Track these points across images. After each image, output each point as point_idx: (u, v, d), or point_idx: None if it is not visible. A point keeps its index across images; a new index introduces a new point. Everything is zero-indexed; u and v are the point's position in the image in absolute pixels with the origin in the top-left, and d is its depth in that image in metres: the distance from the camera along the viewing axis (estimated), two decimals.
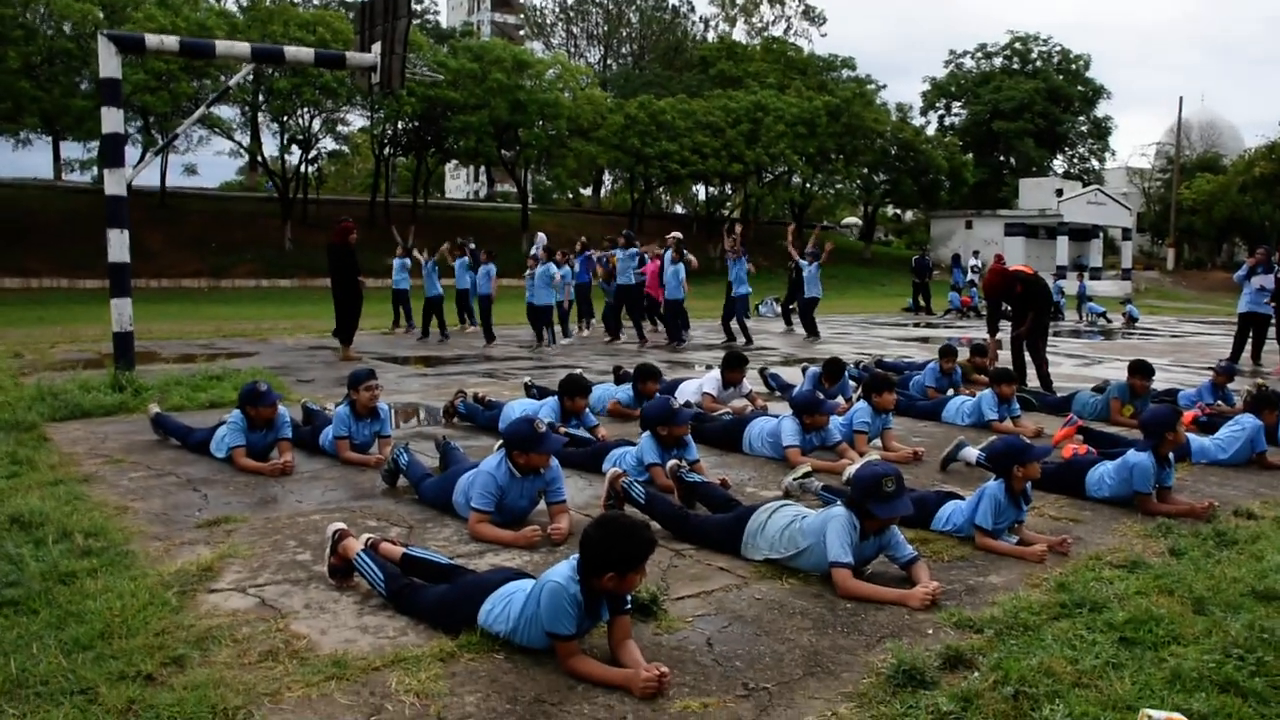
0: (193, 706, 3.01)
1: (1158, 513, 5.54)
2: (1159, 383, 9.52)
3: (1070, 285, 31.67)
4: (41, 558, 4.28)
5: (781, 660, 3.54)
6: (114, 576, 4.12)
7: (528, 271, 15.94)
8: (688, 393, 8.75)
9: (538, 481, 4.99)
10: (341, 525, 4.29)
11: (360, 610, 3.91)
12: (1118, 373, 11.16)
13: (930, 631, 3.82)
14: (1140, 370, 8.73)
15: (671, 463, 5.62)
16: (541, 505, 5.10)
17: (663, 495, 5.28)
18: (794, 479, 5.81)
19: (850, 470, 6.11)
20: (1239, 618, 3.81)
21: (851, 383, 9.50)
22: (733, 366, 8.79)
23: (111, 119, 9.66)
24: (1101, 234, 50.07)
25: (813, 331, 17.86)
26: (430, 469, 5.85)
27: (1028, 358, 10.76)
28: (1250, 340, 14.18)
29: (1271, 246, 16.10)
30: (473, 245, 17.76)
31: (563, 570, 3.43)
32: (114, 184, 9.69)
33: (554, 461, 4.99)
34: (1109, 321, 25.24)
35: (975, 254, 32.74)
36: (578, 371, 7.61)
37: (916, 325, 22.40)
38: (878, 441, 7.23)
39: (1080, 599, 4.02)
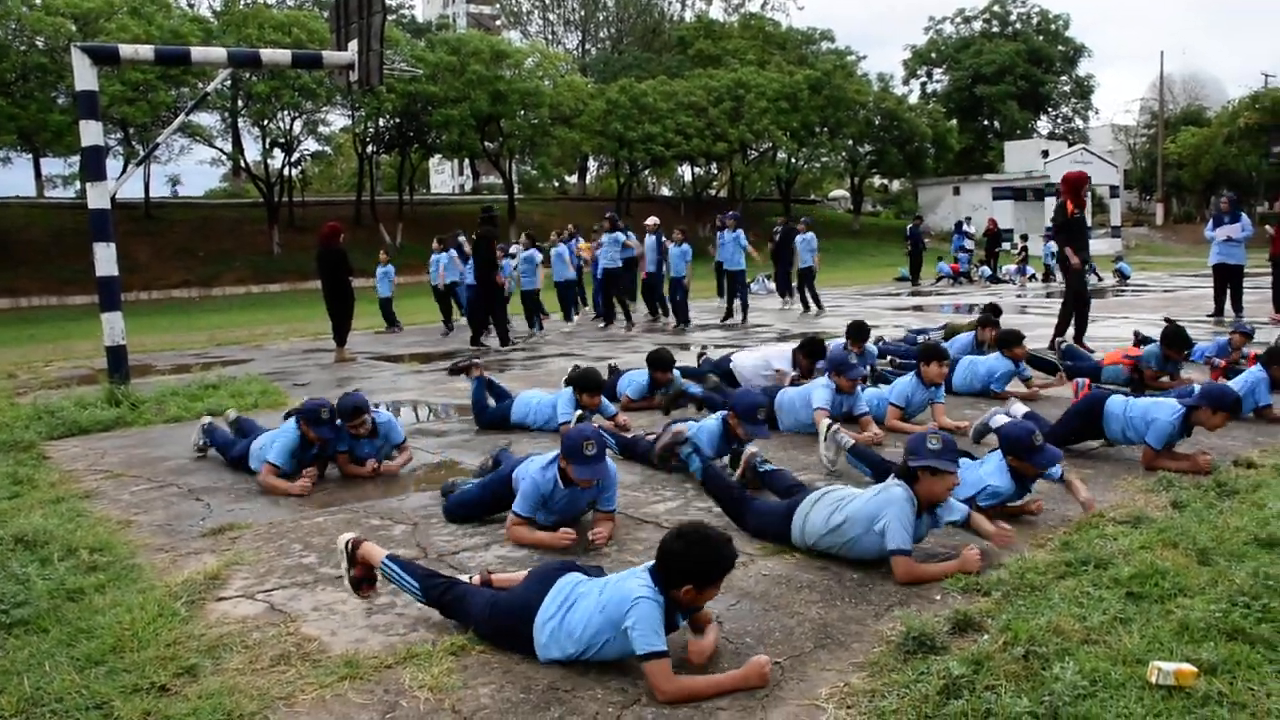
0: (208, 715, 3.03)
1: (1159, 467, 5.58)
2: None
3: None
4: (48, 576, 4.28)
5: (792, 634, 3.56)
6: (122, 590, 4.13)
7: (514, 263, 15.98)
8: (744, 365, 8.60)
9: (589, 491, 4.74)
10: (353, 535, 3.96)
11: (369, 610, 3.91)
12: (1112, 331, 11.16)
13: (938, 597, 3.84)
14: (1175, 342, 8.17)
15: (750, 450, 5.40)
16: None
17: (721, 474, 5.08)
18: (824, 436, 5.76)
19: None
20: (1243, 566, 3.83)
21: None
22: (809, 354, 8.29)
23: (90, 132, 9.60)
24: (1089, 193, 50.01)
25: (811, 303, 17.86)
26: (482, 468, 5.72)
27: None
28: (1229, 292, 14.17)
29: (1236, 196, 16.14)
30: (460, 237, 17.70)
31: (639, 585, 3.24)
32: (97, 198, 9.64)
33: (611, 470, 4.69)
34: (1100, 280, 25.22)
35: (967, 220, 32.65)
36: (590, 366, 7.41)
37: (911, 295, 22.39)
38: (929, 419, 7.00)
39: (1085, 556, 4.04)
